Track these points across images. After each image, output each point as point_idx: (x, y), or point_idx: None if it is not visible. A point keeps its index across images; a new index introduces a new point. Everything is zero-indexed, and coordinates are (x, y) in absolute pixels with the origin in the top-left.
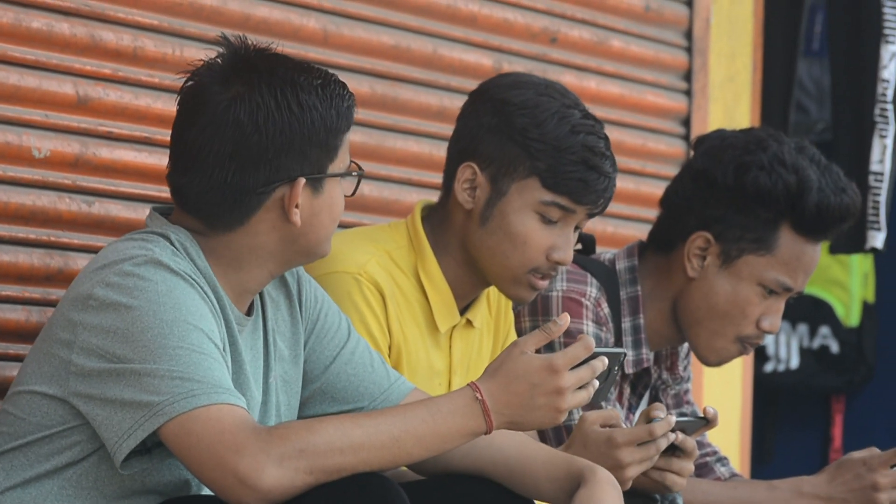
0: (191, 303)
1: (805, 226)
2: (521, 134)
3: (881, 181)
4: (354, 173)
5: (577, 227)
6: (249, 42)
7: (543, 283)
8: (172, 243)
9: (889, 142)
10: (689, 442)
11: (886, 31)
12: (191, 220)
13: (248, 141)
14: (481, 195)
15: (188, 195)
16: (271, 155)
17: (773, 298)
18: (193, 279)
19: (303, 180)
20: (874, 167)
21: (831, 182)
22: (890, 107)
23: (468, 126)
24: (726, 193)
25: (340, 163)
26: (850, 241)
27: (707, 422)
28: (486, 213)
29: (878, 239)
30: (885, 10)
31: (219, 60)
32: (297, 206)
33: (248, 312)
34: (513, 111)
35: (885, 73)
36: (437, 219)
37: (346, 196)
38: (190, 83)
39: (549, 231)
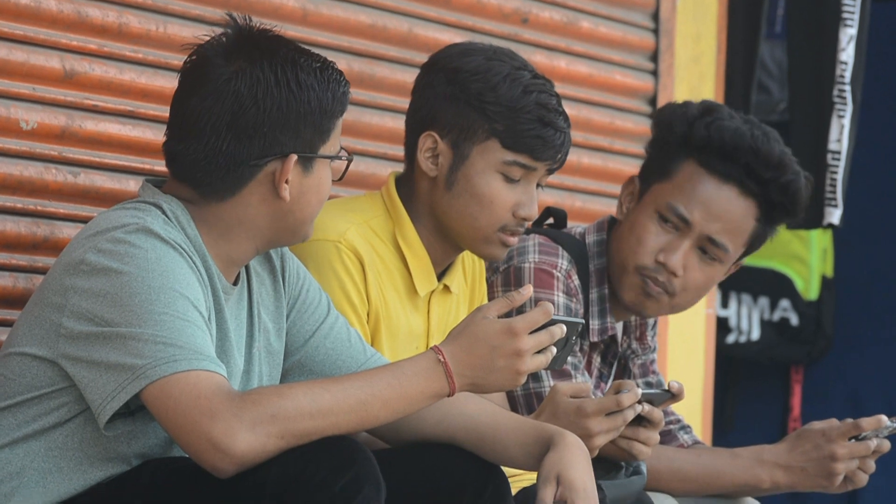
0: (179, 271)
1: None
2: (477, 98)
3: (839, 160)
4: (344, 157)
5: (539, 184)
6: (254, 22)
7: (513, 240)
8: (164, 212)
9: (846, 122)
10: (656, 413)
11: (845, 15)
12: (184, 189)
13: (245, 113)
14: (444, 162)
15: (183, 162)
16: (266, 129)
17: (673, 233)
18: (183, 248)
19: (294, 157)
20: (832, 146)
21: (759, 132)
22: (848, 88)
23: (424, 97)
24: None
25: (331, 146)
26: (808, 217)
27: (673, 395)
28: (451, 178)
29: (835, 215)
30: None
31: (223, 38)
32: (286, 182)
33: (235, 283)
34: (466, 78)
35: (844, 56)
36: (405, 190)
37: (333, 180)
38: (194, 57)
39: (512, 189)
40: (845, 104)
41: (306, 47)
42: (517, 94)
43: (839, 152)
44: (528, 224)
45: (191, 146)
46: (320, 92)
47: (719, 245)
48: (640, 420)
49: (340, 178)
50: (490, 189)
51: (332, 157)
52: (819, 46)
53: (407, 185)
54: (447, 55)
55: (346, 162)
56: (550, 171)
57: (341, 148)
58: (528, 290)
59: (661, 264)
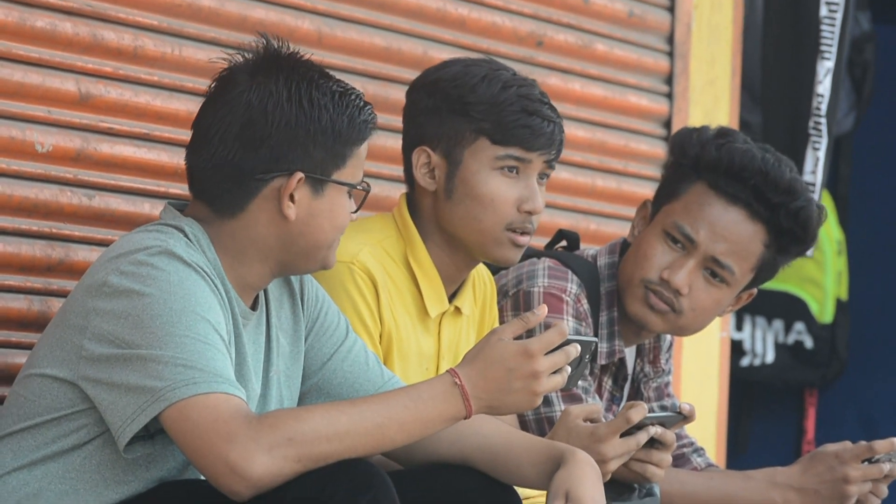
0: (200, 294)
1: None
2: (459, 102)
3: (812, 192)
4: (360, 186)
5: (544, 177)
6: (285, 45)
7: (524, 239)
8: (187, 235)
9: (821, 154)
10: (668, 435)
11: (822, 48)
12: (200, 209)
13: (254, 124)
14: (440, 173)
15: (196, 173)
16: (273, 142)
17: (679, 252)
18: (205, 271)
19: (300, 174)
20: (807, 177)
21: (771, 156)
22: (824, 120)
23: (410, 116)
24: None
25: (349, 174)
26: None
27: (684, 417)
28: (449, 186)
29: None
30: (822, 27)
31: (253, 56)
32: (292, 201)
33: (253, 307)
34: (445, 86)
35: (820, 88)
36: (412, 211)
37: (351, 212)
38: (222, 73)
39: (512, 185)
40: (821, 136)
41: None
42: (497, 90)
43: (813, 184)
44: (536, 220)
45: (202, 156)
46: (334, 114)
47: (725, 266)
48: (652, 442)
49: (356, 210)
50: (489, 187)
51: (344, 184)
52: (796, 78)
53: (412, 206)
54: (425, 73)
55: (364, 193)
56: (549, 164)
57: (363, 179)
58: (542, 311)
59: (665, 281)
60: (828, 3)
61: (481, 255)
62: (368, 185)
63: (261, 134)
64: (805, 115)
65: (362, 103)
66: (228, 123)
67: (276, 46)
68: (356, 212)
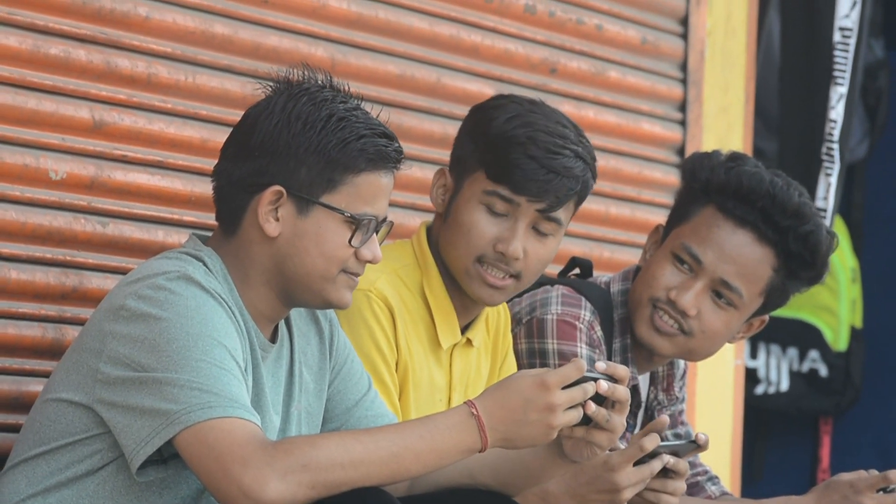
0: (218, 320)
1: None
2: (475, 130)
3: (824, 218)
4: (348, 214)
5: (538, 230)
6: (325, 75)
7: (495, 280)
8: (206, 265)
9: (833, 180)
10: (682, 464)
11: (836, 73)
12: (215, 232)
13: (247, 135)
14: (447, 196)
15: (213, 192)
16: (258, 153)
17: (686, 273)
18: (223, 298)
19: (277, 188)
20: (819, 203)
21: (781, 180)
22: (836, 146)
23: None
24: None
25: (343, 201)
26: None
27: (698, 445)
28: (448, 209)
29: None
30: (836, 53)
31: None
32: (271, 214)
33: (273, 340)
34: (477, 115)
35: (833, 114)
36: (432, 240)
37: (351, 245)
38: None
39: (495, 223)
40: (833, 162)
41: (378, 120)
42: (511, 127)
43: (825, 210)
44: (519, 266)
45: (214, 172)
46: (323, 135)
47: (733, 289)
48: (665, 471)
49: (350, 242)
50: (471, 218)
51: (331, 208)
52: (810, 103)
53: (433, 232)
54: (480, 103)
55: (353, 226)
56: (545, 215)
57: (370, 217)
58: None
59: (672, 301)
60: (841, 29)
61: (461, 284)
62: (374, 220)
63: (250, 144)
64: (818, 140)
65: (364, 130)
66: (233, 136)
67: (311, 75)
68: (350, 243)
